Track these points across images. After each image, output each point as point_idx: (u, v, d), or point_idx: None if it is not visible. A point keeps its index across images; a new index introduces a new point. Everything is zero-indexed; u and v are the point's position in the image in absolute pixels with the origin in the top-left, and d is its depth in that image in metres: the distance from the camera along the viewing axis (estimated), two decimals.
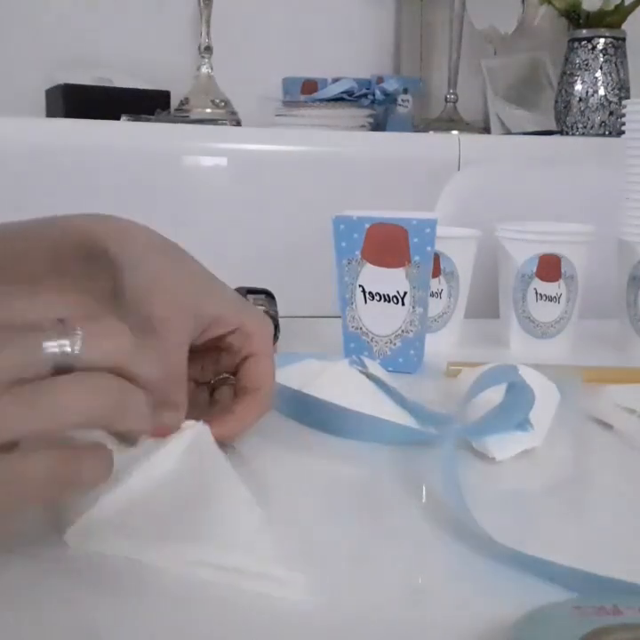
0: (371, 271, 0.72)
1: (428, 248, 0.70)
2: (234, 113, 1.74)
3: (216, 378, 0.55)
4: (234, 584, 0.36)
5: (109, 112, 1.56)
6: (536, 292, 0.80)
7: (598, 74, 1.78)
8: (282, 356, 0.70)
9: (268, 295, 0.86)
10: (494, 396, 0.56)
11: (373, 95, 1.73)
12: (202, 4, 1.74)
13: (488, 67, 1.99)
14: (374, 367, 0.64)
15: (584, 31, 1.78)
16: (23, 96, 1.79)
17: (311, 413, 0.57)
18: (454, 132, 1.80)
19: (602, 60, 1.78)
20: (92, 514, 0.39)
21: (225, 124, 1.68)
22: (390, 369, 0.70)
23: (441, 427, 0.55)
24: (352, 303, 0.73)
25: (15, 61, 1.82)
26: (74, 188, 1.48)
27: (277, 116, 1.73)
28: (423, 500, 0.48)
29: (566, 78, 1.82)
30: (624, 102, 0.85)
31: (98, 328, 0.34)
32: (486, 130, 1.97)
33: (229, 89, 1.76)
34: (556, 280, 0.80)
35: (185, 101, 1.73)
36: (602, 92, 1.78)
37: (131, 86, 1.73)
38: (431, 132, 1.82)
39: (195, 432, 0.44)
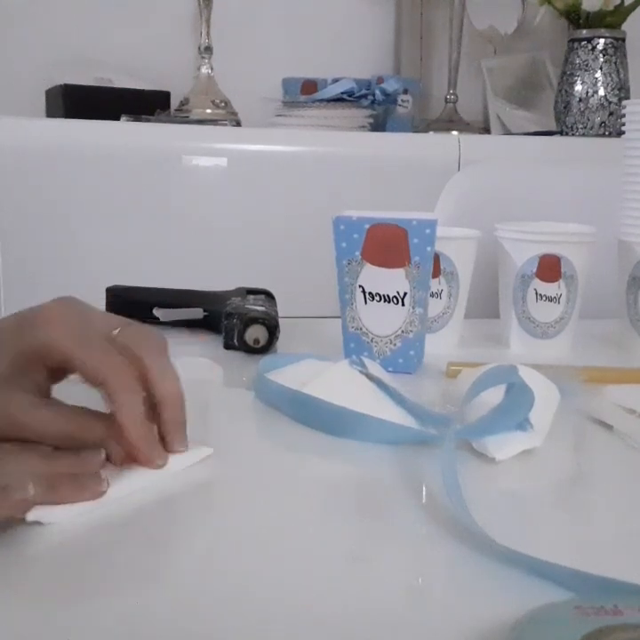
0: (371, 271, 0.72)
1: (428, 248, 0.70)
2: (234, 113, 1.74)
3: None
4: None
5: (109, 112, 1.56)
6: (536, 292, 0.80)
7: (598, 74, 1.78)
8: (282, 356, 0.71)
9: (268, 295, 0.87)
10: (494, 396, 0.56)
11: (373, 95, 1.73)
12: (202, 3, 1.74)
13: (488, 67, 1.99)
14: (374, 367, 0.64)
15: (584, 31, 1.78)
16: (23, 96, 1.79)
17: (311, 413, 0.57)
18: (454, 132, 1.80)
19: (602, 60, 1.78)
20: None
21: (225, 124, 1.68)
22: (390, 369, 0.70)
23: (441, 427, 0.55)
24: (352, 303, 0.73)
25: (15, 61, 1.82)
26: (74, 187, 1.49)
27: (277, 116, 1.73)
28: (423, 500, 0.48)
29: (566, 78, 1.82)
30: (624, 102, 0.85)
31: None
32: (486, 130, 1.97)
33: (229, 89, 1.76)
34: (556, 280, 0.80)
35: (185, 101, 1.73)
36: (602, 92, 1.78)
37: (131, 86, 1.73)
38: (431, 133, 1.82)
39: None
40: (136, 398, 0.47)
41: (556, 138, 1.80)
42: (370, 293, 0.72)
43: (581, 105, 1.79)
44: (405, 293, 0.71)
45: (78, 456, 0.47)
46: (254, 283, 0.90)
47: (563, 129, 1.82)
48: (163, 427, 0.49)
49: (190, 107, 1.72)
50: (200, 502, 0.47)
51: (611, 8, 1.75)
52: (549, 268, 0.79)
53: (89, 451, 0.47)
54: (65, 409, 0.50)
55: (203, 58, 1.76)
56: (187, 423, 0.50)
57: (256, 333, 0.77)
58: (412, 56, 2.04)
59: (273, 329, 0.77)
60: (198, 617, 0.35)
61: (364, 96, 1.72)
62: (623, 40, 1.78)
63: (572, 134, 1.81)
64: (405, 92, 1.87)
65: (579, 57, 1.79)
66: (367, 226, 0.71)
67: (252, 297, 0.85)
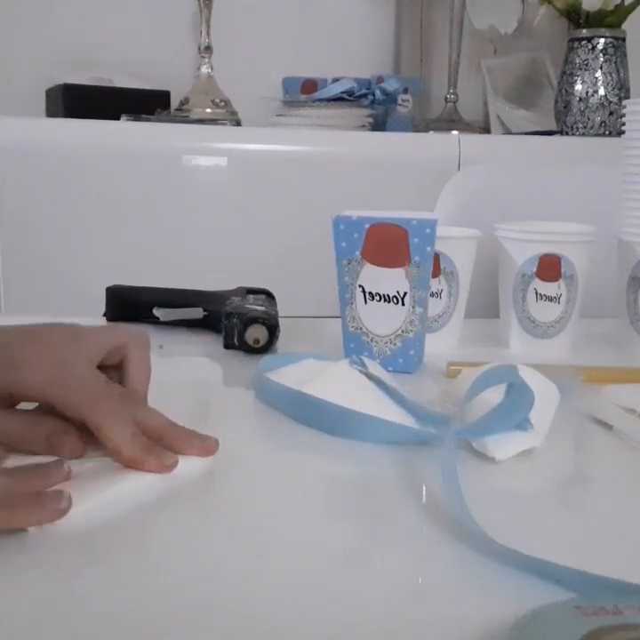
0: (371, 271, 0.72)
1: (428, 248, 0.70)
2: (234, 113, 1.74)
3: None
4: None
5: (109, 112, 1.56)
6: (536, 292, 0.80)
7: (598, 74, 1.78)
8: (282, 356, 0.71)
9: (268, 295, 0.87)
10: (494, 396, 0.56)
11: (373, 95, 1.73)
12: (202, 3, 1.74)
13: (488, 67, 1.99)
14: (374, 367, 0.64)
15: (584, 31, 1.78)
16: (23, 96, 1.79)
17: (311, 413, 0.57)
18: (454, 132, 1.80)
19: (602, 59, 1.78)
20: None
21: (225, 124, 1.68)
22: (390, 369, 0.70)
23: (441, 427, 0.55)
24: (352, 303, 0.73)
25: (15, 61, 1.82)
26: (74, 188, 1.49)
27: (277, 115, 1.73)
28: (423, 500, 0.48)
29: (566, 78, 1.82)
30: (624, 102, 0.85)
31: None
32: (486, 130, 1.97)
33: (229, 89, 1.76)
34: (556, 280, 0.80)
35: (185, 101, 1.73)
36: (602, 91, 1.78)
37: (131, 86, 1.73)
38: (431, 132, 1.82)
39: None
40: (119, 422, 0.48)
41: (556, 137, 1.80)
42: (370, 293, 0.72)
43: (581, 104, 1.79)
44: (405, 293, 0.71)
45: (40, 472, 0.45)
46: (254, 283, 0.90)
47: (563, 128, 1.82)
48: (173, 447, 0.50)
49: (190, 106, 1.72)
50: (200, 502, 0.47)
51: (611, 8, 1.75)
52: (549, 267, 0.79)
53: (52, 465, 0.46)
54: (9, 411, 0.50)
55: (203, 57, 1.76)
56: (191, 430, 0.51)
57: (256, 333, 0.77)
58: (412, 56, 2.04)
59: (273, 329, 0.77)
60: (198, 616, 0.35)
61: (364, 95, 1.72)
62: (623, 39, 1.79)
63: (572, 134, 1.81)
64: (405, 91, 1.87)
65: (579, 56, 1.79)
66: (367, 225, 0.71)
67: (251, 297, 0.85)
